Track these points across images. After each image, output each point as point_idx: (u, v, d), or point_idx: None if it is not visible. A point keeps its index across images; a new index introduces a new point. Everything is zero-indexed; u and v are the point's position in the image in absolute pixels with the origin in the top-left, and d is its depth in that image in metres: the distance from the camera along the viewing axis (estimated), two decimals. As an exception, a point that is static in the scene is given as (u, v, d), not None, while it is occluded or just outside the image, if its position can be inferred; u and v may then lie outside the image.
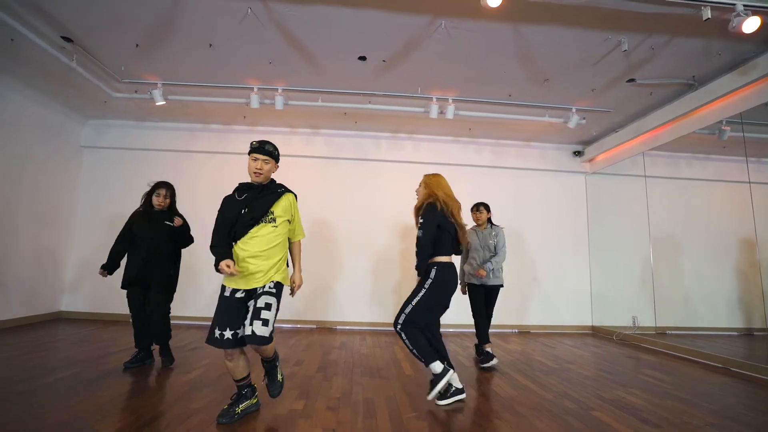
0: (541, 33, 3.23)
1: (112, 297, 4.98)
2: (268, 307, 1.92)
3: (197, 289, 5.15)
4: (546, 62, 3.69)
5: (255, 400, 2.11)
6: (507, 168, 5.88)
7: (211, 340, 1.91)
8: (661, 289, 4.67)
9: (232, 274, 1.90)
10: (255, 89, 4.28)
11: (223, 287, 2.01)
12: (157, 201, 3.03)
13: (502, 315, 5.21)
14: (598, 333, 5.40)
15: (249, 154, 2.08)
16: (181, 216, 3.13)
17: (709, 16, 2.68)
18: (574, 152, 5.94)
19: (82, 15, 3.20)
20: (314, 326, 5.22)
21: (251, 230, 2.00)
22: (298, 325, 5.19)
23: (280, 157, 2.21)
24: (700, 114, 4.05)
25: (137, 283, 2.96)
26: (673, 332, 4.71)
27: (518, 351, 4.09)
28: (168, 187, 3.10)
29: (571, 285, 5.67)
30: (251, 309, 1.92)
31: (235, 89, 4.37)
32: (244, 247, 1.99)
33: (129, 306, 2.99)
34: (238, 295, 1.98)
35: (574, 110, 4.58)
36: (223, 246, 1.99)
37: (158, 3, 3.01)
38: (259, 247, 1.98)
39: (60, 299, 5.18)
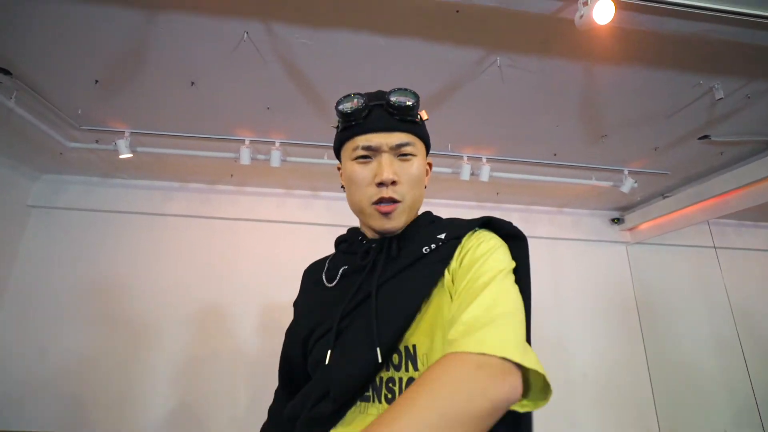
0: (617, 75, 2.54)
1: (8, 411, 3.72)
2: None
3: None
4: (611, 114, 3.00)
5: None
6: (537, 237, 5.06)
7: None
8: (765, 392, 3.65)
9: None
10: (246, 141, 3.47)
11: None
12: None
13: (549, 422, 4.08)
14: (670, 449, 4.24)
15: (340, 146, 0.94)
16: None
17: None
18: (613, 219, 5.20)
19: (24, 40, 2.41)
20: None
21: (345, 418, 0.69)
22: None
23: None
24: (788, 178, 3.36)
25: None
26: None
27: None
28: None
29: (626, 382, 4.59)
30: None
31: (221, 141, 3.55)
32: None
33: None
34: None
35: (626, 172, 3.87)
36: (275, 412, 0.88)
37: (125, 23, 2.24)
38: None
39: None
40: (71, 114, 3.25)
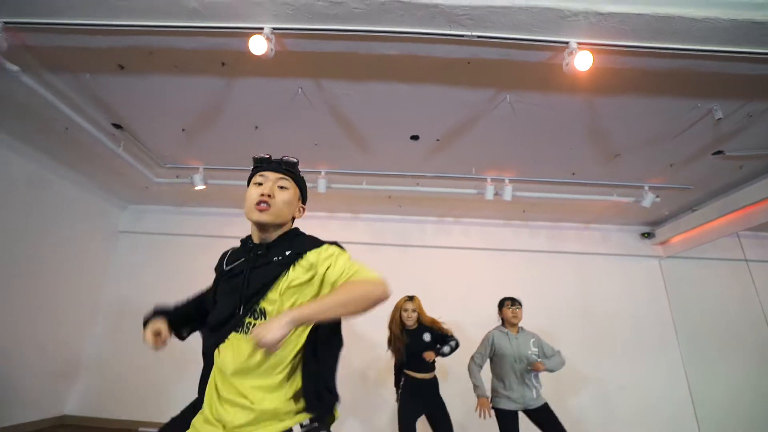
0: (618, 105, 2.89)
1: (114, 401, 4.44)
2: None
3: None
4: (620, 137, 3.31)
5: None
6: (566, 253, 5.25)
7: None
8: None
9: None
10: (297, 172, 4.08)
11: None
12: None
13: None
14: (714, 466, 4.17)
15: (249, 179, 1.35)
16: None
17: (838, 74, 2.27)
18: (643, 234, 5.29)
19: (134, 102, 3.16)
20: (350, 445, 4.30)
21: (228, 339, 1.16)
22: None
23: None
24: (810, 189, 3.45)
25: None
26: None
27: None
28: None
29: (666, 395, 4.58)
30: None
31: (276, 172, 4.18)
32: (220, 361, 1.16)
33: None
34: None
35: (646, 188, 4.07)
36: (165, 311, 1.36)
37: (210, 86, 2.92)
38: (228, 366, 1.12)
39: (65, 402, 4.59)
40: (159, 155, 4.02)
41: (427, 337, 2.83)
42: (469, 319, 4.29)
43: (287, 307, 1.14)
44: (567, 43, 2.17)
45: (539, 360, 2.80)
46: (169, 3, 2.11)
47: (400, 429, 2.57)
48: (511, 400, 2.75)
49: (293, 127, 3.40)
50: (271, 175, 1.27)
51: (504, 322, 3.02)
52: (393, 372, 3.06)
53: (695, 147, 3.40)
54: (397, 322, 2.92)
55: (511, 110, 2.98)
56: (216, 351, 1.17)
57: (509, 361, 2.81)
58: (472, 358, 2.93)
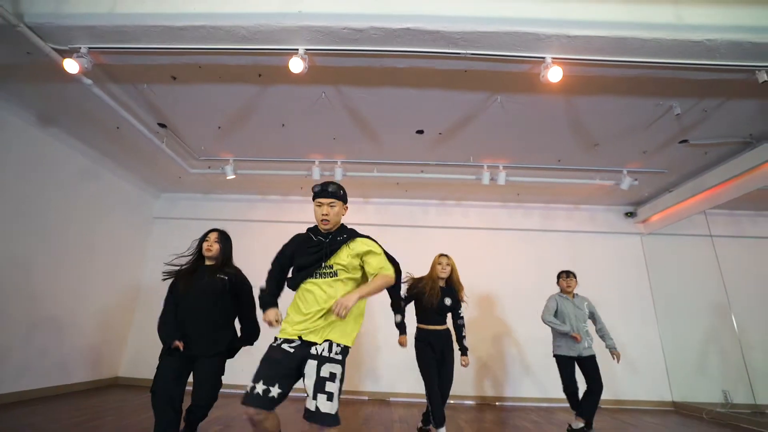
0: (592, 103, 3.41)
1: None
2: (332, 377, 1.68)
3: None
4: (596, 129, 3.84)
5: None
6: (557, 231, 5.82)
7: (245, 397, 1.67)
8: (755, 360, 4.22)
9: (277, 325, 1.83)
10: (317, 162, 4.64)
11: (273, 341, 1.83)
12: (206, 246, 2.50)
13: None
14: (681, 410, 4.82)
15: (313, 200, 1.94)
16: (237, 272, 2.57)
17: (766, 79, 2.77)
18: (626, 213, 5.85)
19: (180, 105, 3.71)
20: (366, 397, 4.99)
21: (308, 282, 1.86)
22: (349, 396, 4.98)
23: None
24: (763, 170, 3.98)
25: (177, 353, 2.33)
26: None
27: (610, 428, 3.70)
28: (218, 232, 2.59)
29: (643, 356, 5.22)
30: (313, 378, 1.67)
31: (297, 163, 4.75)
32: (299, 299, 1.85)
33: (155, 384, 2.29)
34: (285, 346, 1.76)
35: (625, 172, 4.61)
36: (271, 294, 1.95)
37: (246, 92, 3.46)
38: (318, 299, 1.80)
39: (118, 365, 5.29)
40: (196, 149, 4.58)
41: (447, 301, 3.10)
42: (467, 292, 4.89)
43: (341, 268, 1.88)
44: (543, 58, 2.69)
45: (587, 317, 3.55)
46: (226, 32, 2.64)
47: (421, 370, 2.98)
48: (570, 348, 3.41)
49: (315, 125, 3.94)
50: (325, 200, 1.94)
51: (561, 289, 3.68)
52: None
53: (663, 137, 3.93)
54: (433, 277, 3.14)
55: (502, 109, 3.51)
56: (299, 289, 1.88)
57: (569, 318, 3.47)
58: (542, 317, 3.54)
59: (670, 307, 5.27)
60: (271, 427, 1.72)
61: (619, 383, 5.06)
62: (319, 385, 1.67)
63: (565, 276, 3.67)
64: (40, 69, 3.16)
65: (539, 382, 5.09)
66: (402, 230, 5.76)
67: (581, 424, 3.37)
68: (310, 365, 1.72)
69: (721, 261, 4.57)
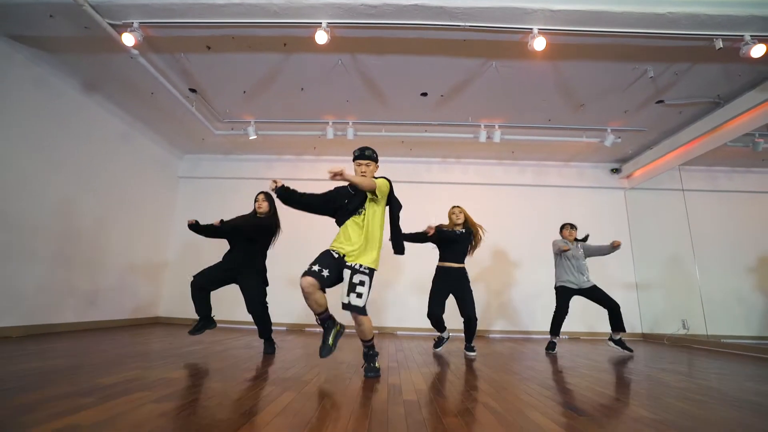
0: (576, 67, 3.88)
1: (191, 305, 5.82)
2: (362, 284, 2.32)
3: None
4: (581, 90, 4.31)
5: (338, 327, 2.50)
6: (548, 186, 6.38)
7: (305, 271, 2.31)
8: (710, 301, 4.91)
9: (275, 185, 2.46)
10: (330, 123, 5.14)
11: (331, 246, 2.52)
12: (257, 206, 3.45)
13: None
14: (648, 339, 5.60)
15: (353, 161, 2.56)
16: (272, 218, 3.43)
17: (721, 46, 3.24)
18: (612, 170, 6.39)
19: (211, 72, 4.17)
20: (376, 331, 5.77)
21: (348, 221, 2.47)
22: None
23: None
24: (729, 127, 4.48)
25: (225, 267, 3.25)
26: (725, 341, 4.90)
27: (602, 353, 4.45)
28: (265, 193, 3.49)
29: (618, 296, 5.88)
30: (347, 283, 2.31)
31: (312, 124, 5.25)
32: (342, 231, 2.48)
33: (198, 274, 3.21)
34: (335, 255, 2.41)
35: (609, 130, 5.11)
36: (299, 194, 2.53)
37: (271, 60, 3.92)
38: (352, 234, 2.43)
39: (158, 307, 6.05)
40: (221, 113, 5.07)
41: (461, 232, 3.68)
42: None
43: (365, 208, 2.47)
44: (531, 29, 3.15)
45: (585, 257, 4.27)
46: (260, 8, 3.09)
47: (429, 302, 3.63)
48: (571, 282, 4.12)
49: (331, 89, 4.42)
50: (363, 161, 2.54)
51: (563, 238, 4.36)
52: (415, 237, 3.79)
53: (641, 97, 4.40)
54: (450, 224, 3.73)
55: (497, 73, 3.98)
56: (343, 225, 2.49)
57: (570, 260, 4.17)
58: (556, 246, 4.23)
59: (645, 253, 5.93)
60: (319, 299, 2.35)
61: (596, 319, 5.80)
62: (352, 288, 2.32)
63: (569, 227, 4.34)
64: (92, 41, 3.62)
65: (520, 318, 5.84)
66: (406, 186, 6.31)
67: (554, 342, 4.09)
68: (346, 273, 2.37)
69: (692, 213, 5.16)
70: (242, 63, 3.99)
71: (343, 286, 2.36)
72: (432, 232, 3.56)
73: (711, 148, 4.75)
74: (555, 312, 4.18)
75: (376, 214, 2.50)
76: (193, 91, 4.56)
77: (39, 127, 3.97)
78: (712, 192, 5.41)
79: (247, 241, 3.31)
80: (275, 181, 2.49)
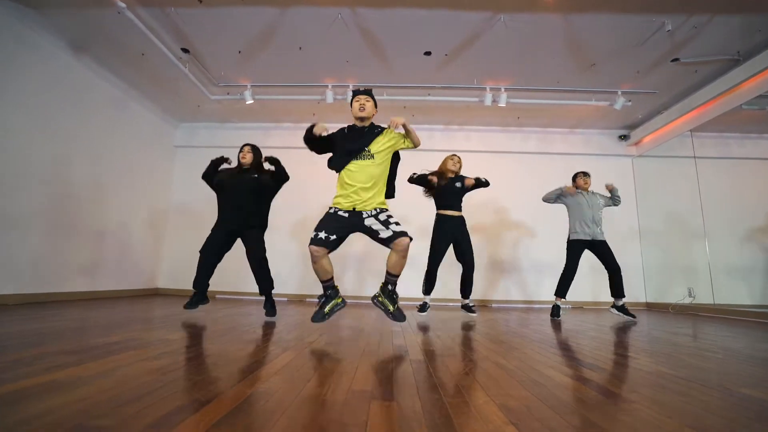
0: (587, 20, 3.66)
1: (190, 277, 5.78)
2: (390, 217, 2.33)
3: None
4: (592, 47, 4.09)
5: (339, 300, 2.46)
6: (553, 154, 6.22)
7: (312, 240, 2.28)
8: (717, 269, 4.83)
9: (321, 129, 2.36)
10: (330, 86, 4.93)
11: (329, 209, 2.42)
12: (241, 156, 3.30)
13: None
14: (653, 308, 5.58)
15: (353, 97, 2.46)
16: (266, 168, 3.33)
17: (748, -7, 3.02)
18: (620, 136, 6.20)
19: (203, 29, 3.95)
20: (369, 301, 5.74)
21: (350, 164, 2.35)
22: (352, 300, 5.73)
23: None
24: (745, 87, 4.28)
25: (225, 228, 3.19)
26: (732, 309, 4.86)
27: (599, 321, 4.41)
28: (251, 145, 3.36)
29: (624, 264, 5.81)
30: (379, 224, 2.29)
31: (312, 87, 5.04)
32: (346, 177, 2.36)
33: (204, 246, 3.19)
34: (340, 213, 2.35)
35: (619, 93, 4.90)
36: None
37: (267, 15, 3.69)
38: (358, 179, 2.32)
39: (157, 279, 6.00)
40: (216, 76, 4.86)
41: (458, 184, 3.80)
42: (468, 210, 5.42)
43: (378, 152, 2.36)
44: (544, -25, 2.93)
45: (602, 206, 4.10)
46: (252, -47, 2.86)
47: (430, 247, 3.72)
48: (585, 233, 3.96)
49: (330, 49, 4.20)
50: (362, 96, 2.46)
51: (578, 186, 4.13)
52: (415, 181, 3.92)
53: (656, 55, 4.19)
54: (443, 169, 3.87)
55: (505, 28, 3.76)
56: (344, 169, 2.37)
57: (584, 209, 3.98)
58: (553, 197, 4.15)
59: (652, 222, 5.83)
60: (326, 264, 2.33)
61: (601, 288, 5.77)
62: (386, 223, 2.31)
63: (583, 175, 4.12)
64: (75, -7, 3.39)
65: (523, 288, 5.81)
66: (409, 153, 6.13)
67: (559, 303, 4.01)
68: (370, 221, 2.32)
69: (703, 180, 5.01)
70: (236, 18, 3.76)
71: (375, 230, 2.30)
72: (436, 180, 3.80)
73: (725, 110, 4.56)
74: (564, 270, 3.99)
75: (387, 162, 2.45)
76: (185, 51, 4.34)
77: (27, 87, 3.78)
78: (723, 159, 5.25)
79: (249, 197, 3.24)
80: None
